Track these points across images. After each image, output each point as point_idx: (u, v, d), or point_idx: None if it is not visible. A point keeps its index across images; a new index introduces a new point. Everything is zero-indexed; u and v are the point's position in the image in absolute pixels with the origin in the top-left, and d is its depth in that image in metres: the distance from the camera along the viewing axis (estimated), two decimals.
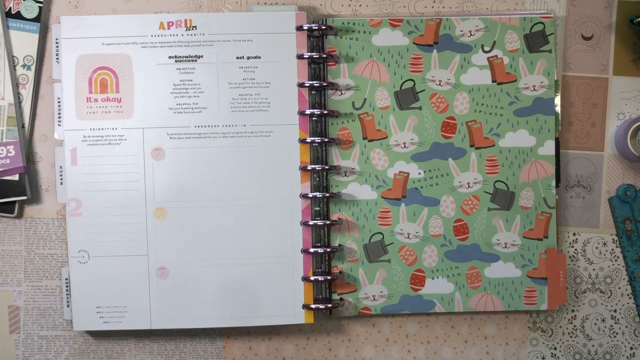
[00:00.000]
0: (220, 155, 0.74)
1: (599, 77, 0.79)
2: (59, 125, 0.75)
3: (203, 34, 0.74)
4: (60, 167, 0.74)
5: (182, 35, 0.74)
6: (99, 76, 0.74)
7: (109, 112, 0.74)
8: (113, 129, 0.74)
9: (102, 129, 0.74)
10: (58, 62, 0.75)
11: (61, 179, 0.74)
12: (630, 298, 0.79)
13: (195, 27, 0.74)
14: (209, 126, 0.74)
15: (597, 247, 0.79)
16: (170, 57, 0.74)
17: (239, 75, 0.74)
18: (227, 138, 0.74)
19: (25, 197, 0.75)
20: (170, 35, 0.74)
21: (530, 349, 0.79)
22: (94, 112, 0.74)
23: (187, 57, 0.74)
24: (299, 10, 0.76)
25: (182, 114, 0.74)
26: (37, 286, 0.77)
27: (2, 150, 0.74)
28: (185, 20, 0.74)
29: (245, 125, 0.74)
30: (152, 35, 0.74)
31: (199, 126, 0.74)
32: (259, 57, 0.74)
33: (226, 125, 0.74)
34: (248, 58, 0.74)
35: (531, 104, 0.77)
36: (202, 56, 0.74)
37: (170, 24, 0.74)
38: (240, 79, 0.74)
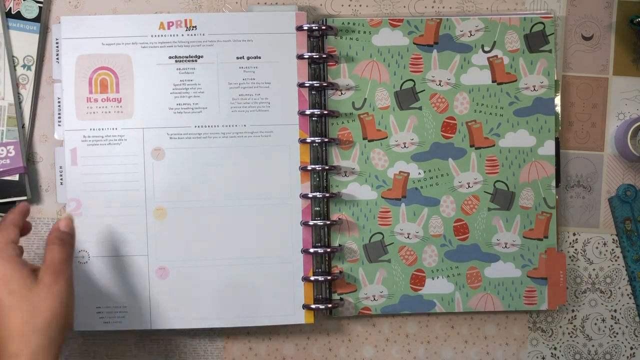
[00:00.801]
0: (220, 155, 0.74)
1: (599, 77, 0.79)
2: (59, 125, 0.75)
3: (203, 34, 0.74)
4: (60, 167, 0.74)
5: (182, 35, 0.74)
6: (99, 76, 0.74)
7: (109, 112, 0.74)
8: (113, 129, 0.74)
9: (102, 129, 0.74)
10: (58, 62, 0.75)
11: (61, 179, 0.74)
12: (630, 298, 0.79)
13: (195, 27, 0.74)
14: (209, 126, 0.74)
15: (597, 247, 0.79)
16: (170, 57, 0.74)
17: (239, 75, 0.74)
18: (227, 138, 0.74)
19: (25, 197, 0.75)
20: (170, 35, 0.74)
21: (530, 349, 0.79)
22: (94, 112, 0.74)
23: (187, 57, 0.74)
24: (299, 10, 0.76)
25: (182, 114, 0.74)
26: None
27: (2, 150, 0.74)
28: (185, 20, 0.74)
29: (245, 126, 0.74)
30: (152, 36, 0.74)
31: (199, 126, 0.74)
32: (259, 57, 0.74)
33: (226, 126, 0.74)
34: (248, 58, 0.74)
35: (531, 104, 0.77)
36: (202, 56, 0.74)
37: (170, 24, 0.74)
38: (240, 79, 0.74)
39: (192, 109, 0.74)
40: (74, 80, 0.74)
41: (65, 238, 0.65)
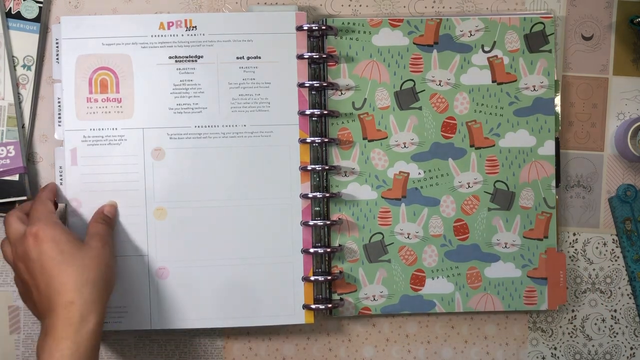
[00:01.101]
0: (220, 155, 0.74)
1: (599, 77, 0.79)
2: (59, 125, 0.75)
3: (203, 34, 0.74)
4: (60, 167, 0.74)
5: (182, 35, 0.74)
6: (99, 76, 0.73)
7: (109, 112, 0.73)
8: (113, 129, 0.73)
9: (102, 129, 0.73)
10: (58, 62, 0.74)
11: (61, 179, 0.74)
12: (630, 298, 0.79)
13: (195, 27, 0.74)
14: (209, 126, 0.74)
15: (597, 247, 0.79)
16: (170, 58, 0.74)
17: (239, 75, 0.74)
18: (227, 138, 0.74)
19: (25, 197, 0.75)
20: (170, 35, 0.74)
21: (530, 349, 0.79)
22: (94, 113, 0.73)
23: (187, 57, 0.74)
24: (299, 10, 0.76)
25: (182, 114, 0.74)
26: None
27: (2, 150, 0.74)
28: (185, 21, 0.74)
29: (245, 126, 0.74)
30: (152, 36, 0.74)
31: (199, 126, 0.74)
32: (259, 57, 0.74)
33: (226, 126, 0.74)
34: (248, 58, 0.74)
35: (531, 104, 0.77)
36: (202, 56, 0.74)
37: (170, 24, 0.74)
38: (240, 79, 0.74)
39: (192, 109, 0.74)
40: (74, 80, 0.73)
41: (107, 220, 0.72)
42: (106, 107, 0.74)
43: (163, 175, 0.74)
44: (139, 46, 0.74)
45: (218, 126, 0.74)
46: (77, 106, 0.73)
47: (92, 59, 0.73)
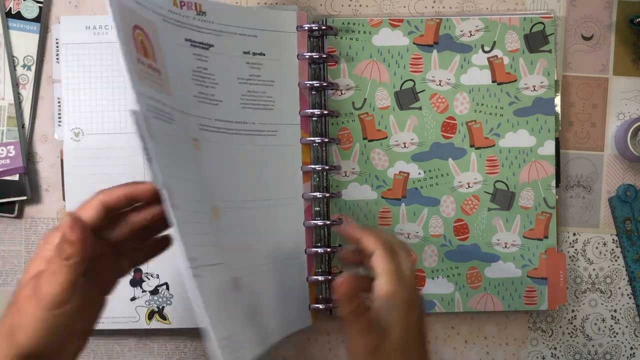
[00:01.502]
0: (237, 153, 0.69)
1: (599, 77, 0.79)
2: (59, 125, 0.75)
3: (212, 22, 0.68)
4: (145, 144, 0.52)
5: (194, 18, 0.67)
6: (139, 36, 0.57)
7: (156, 82, 0.58)
8: (163, 104, 0.58)
9: (158, 100, 0.57)
10: (58, 62, 0.74)
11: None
12: (630, 298, 0.79)
13: (205, 13, 0.68)
14: (226, 121, 0.68)
15: (597, 247, 0.79)
16: (186, 40, 0.66)
17: (246, 70, 0.71)
18: (239, 135, 0.69)
19: (25, 198, 0.75)
20: (184, 16, 0.66)
21: (530, 349, 0.79)
22: (145, 78, 0.56)
23: (200, 43, 0.67)
24: (299, 10, 0.75)
25: (204, 104, 0.66)
26: None
27: (2, 150, 0.74)
28: (195, 4, 0.67)
29: (254, 123, 0.71)
30: (168, 10, 0.64)
31: (218, 120, 0.67)
32: (263, 54, 0.73)
33: (239, 122, 0.69)
34: (254, 54, 0.72)
35: (531, 104, 0.77)
36: (213, 45, 0.68)
37: (182, 3, 0.66)
38: (248, 75, 0.71)
39: (210, 100, 0.67)
40: (123, 33, 0.54)
41: (69, 246, 0.50)
42: (152, 75, 0.57)
43: (204, 170, 0.63)
44: (160, 18, 0.62)
45: (232, 122, 0.69)
46: (137, 67, 0.55)
47: (130, 13, 0.57)
